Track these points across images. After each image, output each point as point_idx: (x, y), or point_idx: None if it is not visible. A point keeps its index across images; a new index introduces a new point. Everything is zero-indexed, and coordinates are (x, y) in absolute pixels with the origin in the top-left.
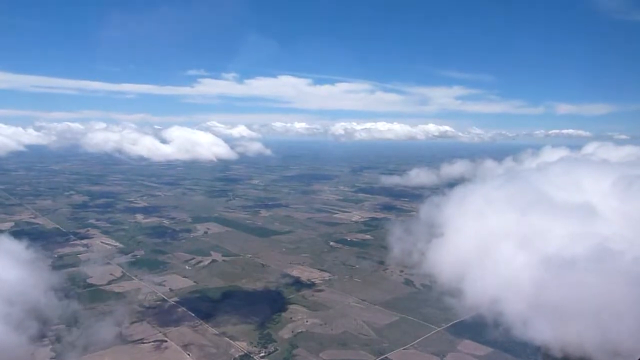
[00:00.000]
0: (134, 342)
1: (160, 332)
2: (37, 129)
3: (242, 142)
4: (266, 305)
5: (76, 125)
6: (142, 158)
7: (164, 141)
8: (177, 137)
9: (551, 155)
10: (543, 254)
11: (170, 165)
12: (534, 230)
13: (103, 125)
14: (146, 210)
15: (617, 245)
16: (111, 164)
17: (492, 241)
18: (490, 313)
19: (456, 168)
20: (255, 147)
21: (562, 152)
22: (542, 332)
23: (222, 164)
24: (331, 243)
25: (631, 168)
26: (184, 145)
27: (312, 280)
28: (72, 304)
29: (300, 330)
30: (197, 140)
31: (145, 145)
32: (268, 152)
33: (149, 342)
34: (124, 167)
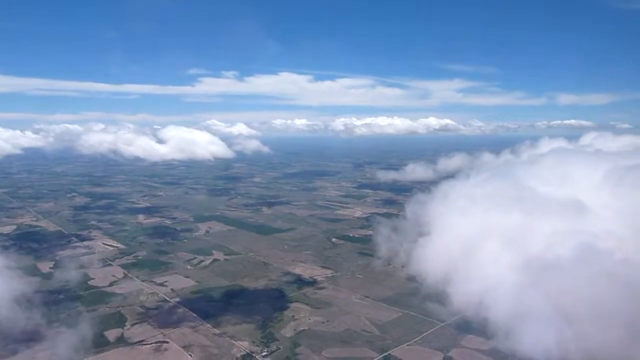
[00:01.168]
0: (134, 343)
1: (161, 333)
2: (36, 131)
3: (239, 140)
4: (268, 304)
5: (75, 127)
6: (137, 158)
7: (160, 141)
8: (173, 137)
9: (549, 146)
10: (526, 254)
11: (168, 165)
12: (519, 228)
13: (101, 126)
14: (148, 211)
15: (605, 244)
16: (108, 166)
17: (477, 240)
18: (475, 318)
19: (456, 161)
20: (254, 145)
21: (559, 143)
22: (524, 342)
23: (222, 163)
24: (333, 240)
25: (625, 158)
26: (179, 145)
27: (314, 277)
28: (73, 306)
29: (302, 329)
30: (193, 140)
31: (140, 146)
32: (266, 149)
33: (150, 344)
34: (122, 168)
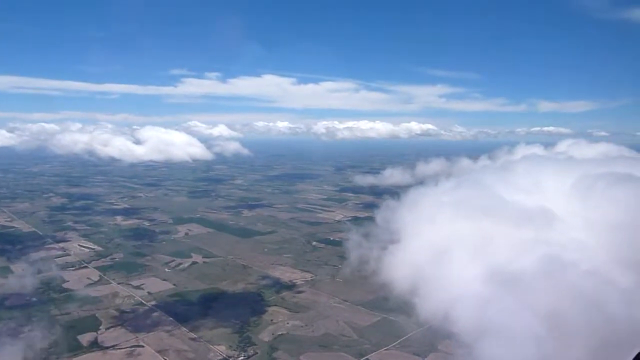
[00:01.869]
0: (108, 348)
1: (136, 337)
2: (10, 130)
3: (219, 141)
4: (247, 308)
5: (51, 126)
6: (113, 159)
7: (137, 142)
8: (150, 138)
9: (525, 152)
10: (491, 266)
11: (146, 166)
12: (485, 238)
13: (78, 125)
14: (125, 212)
15: (572, 255)
16: (84, 166)
17: (444, 249)
18: (437, 331)
19: (436, 166)
20: (233, 147)
21: (536, 150)
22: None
23: (201, 165)
24: (314, 243)
25: (597, 166)
26: (157, 146)
27: (294, 281)
28: (46, 309)
29: (280, 333)
30: (171, 141)
31: (117, 146)
32: (246, 151)
33: (124, 348)
34: (98, 169)
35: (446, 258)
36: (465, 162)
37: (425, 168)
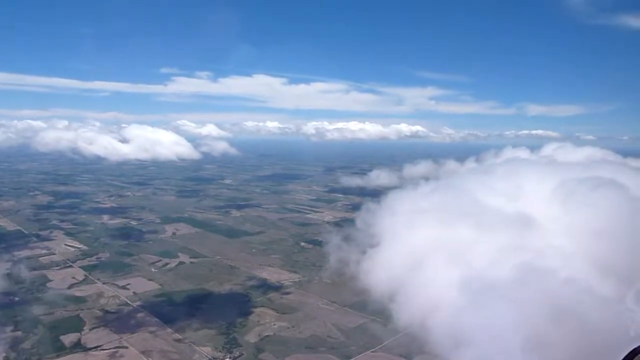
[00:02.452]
0: (91, 349)
1: (120, 338)
2: None
3: (207, 141)
4: (233, 309)
5: (38, 124)
6: (98, 157)
7: (124, 140)
8: (136, 136)
9: (511, 155)
10: (466, 273)
11: (133, 165)
12: (462, 243)
13: (65, 123)
14: (113, 211)
15: (549, 262)
16: (70, 165)
17: (421, 254)
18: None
19: (424, 168)
20: (221, 147)
21: (522, 153)
22: None
23: (189, 164)
24: (302, 244)
25: (580, 170)
26: (143, 145)
27: (282, 282)
28: (29, 309)
29: (267, 334)
30: (157, 139)
31: (102, 145)
32: (234, 151)
33: (107, 349)
34: (84, 167)
35: (422, 264)
36: (452, 165)
37: (413, 170)
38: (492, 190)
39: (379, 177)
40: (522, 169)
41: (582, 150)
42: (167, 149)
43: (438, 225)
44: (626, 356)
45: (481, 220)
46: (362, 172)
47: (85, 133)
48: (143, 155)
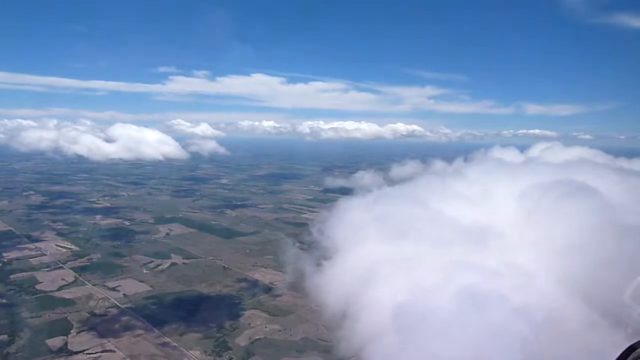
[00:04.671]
0: (76, 353)
1: (108, 341)
2: None
3: (195, 140)
4: (224, 311)
5: (28, 122)
6: (80, 157)
7: (109, 139)
8: (121, 135)
9: (500, 155)
10: (400, 300)
11: (115, 164)
12: (404, 261)
13: (54, 122)
14: (104, 211)
15: (504, 282)
16: (45, 164)
17: (362, 273)
18: None
19: (414, 168)
20: (210, 146)
21: (510, 153)
22: None
23: (180, 164)
24: (297, 244)
25: (555, 172)
26: (127, 144)
27: (274, 283)
28: (16, 312)
29: (257, 337)
30: (142, 138)
31: (85, 144)
32: (223, 150)
33: (93, 354)
34: (64, 167)
35: (367, 282)
36: (440, 165)
37: (401, 170)
38: (455, 195)
39: (390, 174)
40: (494, 172)
41: (571, 151)
42: (153, 149)
43: (385, 238)
44: (623, 352)
45: (433, 233)
46: (360, 172)
47: (69, 132)
48: (127, 155)
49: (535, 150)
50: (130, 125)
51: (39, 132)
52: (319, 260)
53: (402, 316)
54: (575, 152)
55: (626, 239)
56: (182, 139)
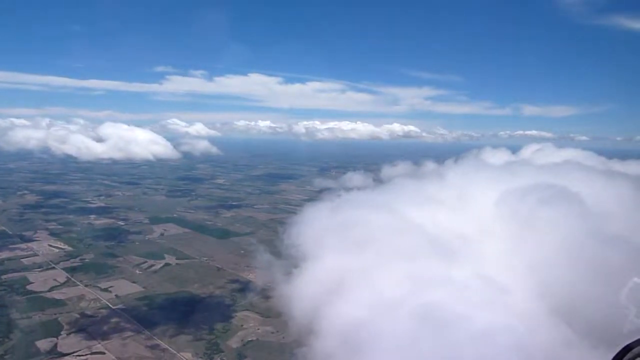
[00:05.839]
0: (66, 354)
1: (98, 343)
2: None
3: (187, 140)
4: (217, 312)
5: (21, 121)
6: (69, 157)
7: (98, 139)
8: (110, 135)
9: (491, 156)
10: (352, 321)
11: (103, 164)
12: (369, 273)
13: (47, 121)
14: (98, 211)
15: (472, 299)
16: (31, 164)
17: (322, 286)
18: None
19: (405, 169)
20: (202, 146)
21: (501, 154)
22: None
23: (180, 163)
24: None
25: (539, 176)
26: (117, 144)
27: (269, 284)
28: (5, 313)
29: (250, 339)
30: (132, 138)
31: (74, 144)
32: (215, 150)
33: (84, 355)
34: (51, 166)
35: (326, 296)
36: (430, 166)
37: (394, 171)
38: (427, 200)
39: (388, 175)
40: (473, 174)
41: (562, 152)
42: (143, 148)
43: (348, 248)
44: (619, 352)
45: (399, 242)
46: (357, 172)
47: (58, 132)
48: (117, 155)
49: (527, 152)
50: (120, 124)
51: (27, 132)
52: (289, 269)
53: (354, 336)
54: (567, 154)
55: (607, 250)
56: (175, 139)
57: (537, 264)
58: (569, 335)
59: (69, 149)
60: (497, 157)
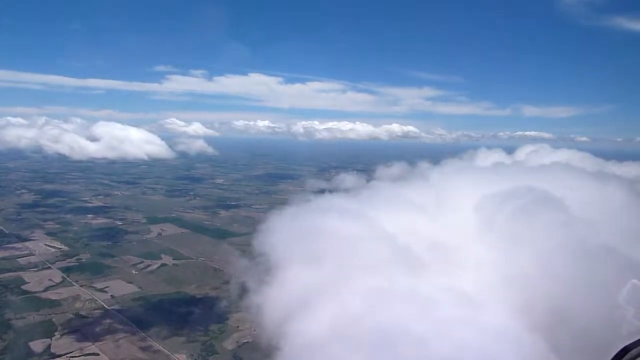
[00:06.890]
0: (59, 356)
1: (92, 344)
2: None
3: (183, 139)
4: (213, 313)
5: (17, 120)
6: (62, 156)
7: (92, 138)
8: (104, 134)
9: (486, 156)
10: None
11: (96, 164)
12: (333, 286)
13: (44, 119)
14: (96, 211)
15: (443, 313)
16: (24, 163)
17: (287, 299)
18: None
19: (400, 170)
20: (198, 146)
21: (496, 154)
22: None
23: (179, 163)
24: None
25: (527, 178)
26: (110, 143)
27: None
28: (0, 314)
29: (245, 341)
30: (126, 137)
31: (67, 143)
32: (211, 150)
33: (78, 356)
34: (41, 165)
35: (291, 309)
36: (425, 166)
37: (389, 171)
38: (402, 205)
39: (384, 175)
40: (454, 177)
41: (558, 153)
42: (137, 148)
43: (312, 258)
44: (617, 354)
45: (366, 251)
46: (357, 172)
47: (51, 131)
48: (111, 154)
49: (522, 153)
50: (114, 123)
51: (19, 130)
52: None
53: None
54: (562, 155)
55: (592, 261)
56: (172, 138)
57: (515, 276)
58: (548, 354)
59: (62, 148)
60: (490, 158)
